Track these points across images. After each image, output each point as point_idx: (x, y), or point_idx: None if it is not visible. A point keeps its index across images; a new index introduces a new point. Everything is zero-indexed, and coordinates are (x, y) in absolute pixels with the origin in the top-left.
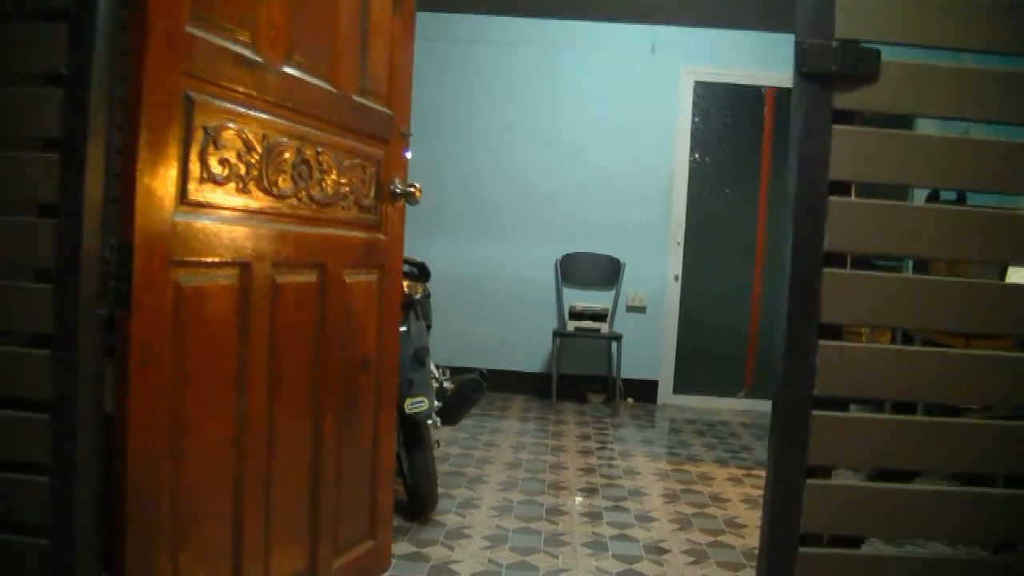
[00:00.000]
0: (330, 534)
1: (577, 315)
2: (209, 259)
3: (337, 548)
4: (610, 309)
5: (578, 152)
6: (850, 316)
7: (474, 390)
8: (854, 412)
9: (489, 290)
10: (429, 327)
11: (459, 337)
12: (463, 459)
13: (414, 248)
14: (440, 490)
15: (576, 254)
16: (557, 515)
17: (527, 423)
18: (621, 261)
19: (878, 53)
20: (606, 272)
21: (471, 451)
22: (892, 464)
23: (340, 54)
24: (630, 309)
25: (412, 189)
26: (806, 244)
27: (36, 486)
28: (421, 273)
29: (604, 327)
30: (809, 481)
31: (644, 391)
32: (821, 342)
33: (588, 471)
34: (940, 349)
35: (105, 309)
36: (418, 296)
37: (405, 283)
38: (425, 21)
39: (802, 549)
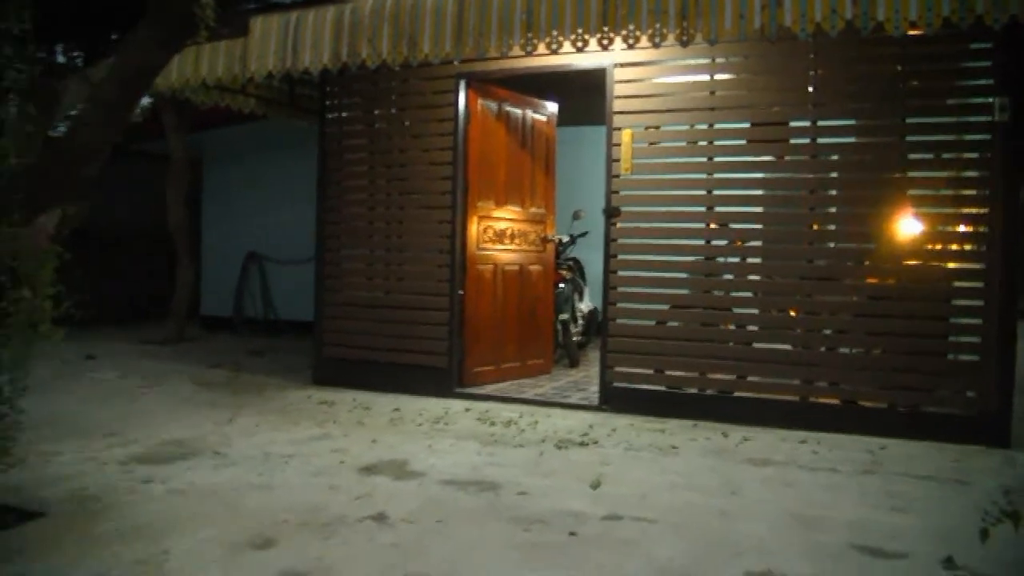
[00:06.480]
0: (525, 351)
1: None
2: (485, 265)
3: (528, 356)
4: None
5: None
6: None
7: (595, 316)
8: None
9: None
10: (582, 292)
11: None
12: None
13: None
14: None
15: None
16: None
17: None
18: None
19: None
20: None
21: None
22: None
23: (523, 196)
24: None
25: (554, 239)
26: (608, 254)
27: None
28: (576, 265)
29: None
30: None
31: None
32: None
33: None
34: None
35: (460, 275)
36: (569, 277)
37: (565, 271)
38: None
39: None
